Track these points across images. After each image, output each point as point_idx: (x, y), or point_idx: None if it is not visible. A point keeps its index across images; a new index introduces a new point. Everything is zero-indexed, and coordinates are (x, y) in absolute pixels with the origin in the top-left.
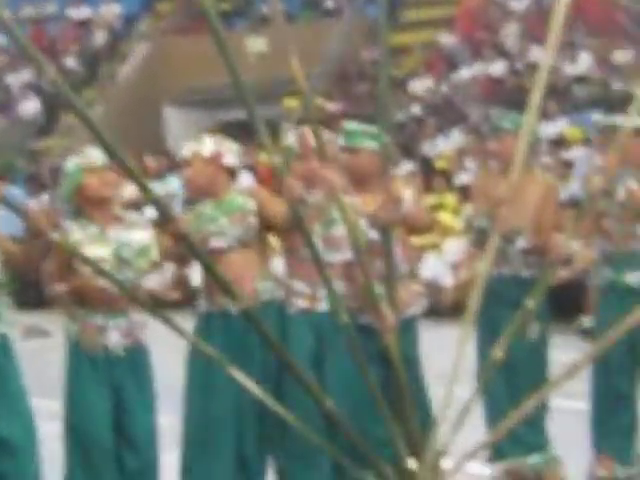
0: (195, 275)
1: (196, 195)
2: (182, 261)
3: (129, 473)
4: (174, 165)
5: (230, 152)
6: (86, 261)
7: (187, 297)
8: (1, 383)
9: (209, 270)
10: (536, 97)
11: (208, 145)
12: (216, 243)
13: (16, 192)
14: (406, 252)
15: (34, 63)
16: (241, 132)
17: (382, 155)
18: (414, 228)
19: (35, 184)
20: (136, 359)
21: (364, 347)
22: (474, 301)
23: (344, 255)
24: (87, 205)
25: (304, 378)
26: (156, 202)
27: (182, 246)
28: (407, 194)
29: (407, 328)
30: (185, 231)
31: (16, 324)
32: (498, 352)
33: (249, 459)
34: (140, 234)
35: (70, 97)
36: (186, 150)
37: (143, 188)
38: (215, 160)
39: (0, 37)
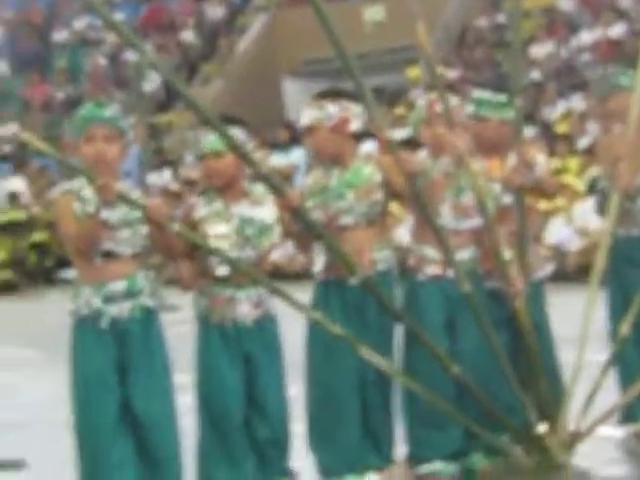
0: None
1: (322, 163)
2: (301, 236)
3: (261, 444)
4: (295, 136)
5: (356, 117)
6: (202, 240)
7: (308, 267)
8: (145, 358)
9: (327, 243)
10: None
11: (332, 111)
12: (343, 220)
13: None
14: (533, 217)
15: (134, 47)
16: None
17: (514, 120)
18: (544, 192)
19: (157, 159)
20: (266, 330)
21: (493, 312)
22: (600, 264)
23: (473, 222)
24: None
25: (430, 344)
26: (266, 177)
27: (298, 220)
28: (540, 158)
29: (535, 292)
30: (298, 205)
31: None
32: (625, 327)
33: (376, 427)
34: (264, 211)
35: (173, 81)
36: (308, 117)
37: (252, 164)
38: (341, 127)
39: (119, 14)
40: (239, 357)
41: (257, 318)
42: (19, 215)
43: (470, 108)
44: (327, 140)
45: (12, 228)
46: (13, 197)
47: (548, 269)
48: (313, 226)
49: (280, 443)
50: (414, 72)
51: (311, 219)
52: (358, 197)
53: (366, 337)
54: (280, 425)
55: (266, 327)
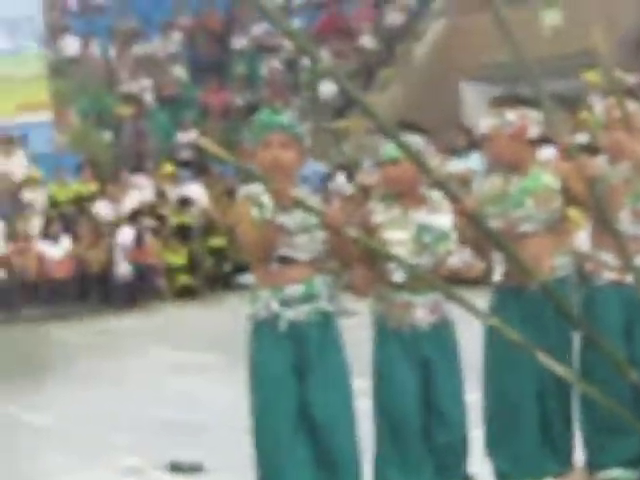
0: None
1: (500, 170)
2: (477, 243)
3: (439, 448)
4: (473, 141)
5: (534, 123)
6: (379, 246)
7: (485, 273)
8: (323, 361)
9: (505, 250)
10: None
11: (511, 118)
12: (522, 228)
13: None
14: None
15: (309, 54)
16: (531, 105)
17: None
18: None
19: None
20: (443, 335)
21: None
22: None
23: None
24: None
25: (608, 349)
26: (442, 184)
27: (474, 226)
28: None
29: None
30: (474, 211)
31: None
32: None
33: (554, 433)
34: (442, 218)
35: (348, 87)
36: (487, 125)
37: (428, 171)
38: (520, 134)
39: (295, 21)
40: (417, 362)
41: (434, 323)
42: (189, 220)
43: None
44: (506, 147)
45: (187, 233)
46: (185, 202)
47: None
48: (490, 232)
49: (458, 449)
50: (592, 77)
51: (487, 225)
52: (537, 204)
53: (544, 344)
54: (458, 430)
55: (443, 332)
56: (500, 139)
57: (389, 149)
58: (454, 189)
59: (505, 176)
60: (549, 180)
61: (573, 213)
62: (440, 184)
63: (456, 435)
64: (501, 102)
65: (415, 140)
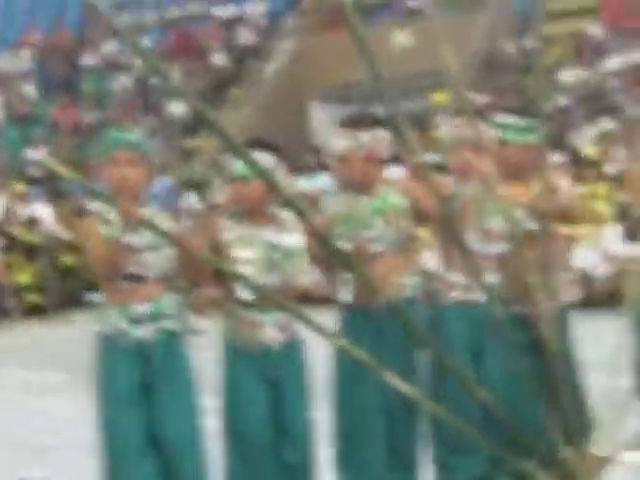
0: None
1: (349, 190)
2: (327, 262)
3: (288, 468)
4: (322, 161)
5: (385, 143)
6: (228, 265)
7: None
8: (169, 380)
9: (352, 269)
10: None
11: (365, 140)
12: (373, 248)
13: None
14: (559, 243)
15: (158, 73)
16: (382, 125)
17: (537, 146)
18: (569, 218)
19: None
20: (292, 354)
21: (518, 337)
22: (632, 291)
23: (499, 246)
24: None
25: (454, 368)
26: (292, 203)
27: (322, 246)
28: (563, 184)
29: (561, 317)
30: (322, 231)
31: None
32: None
33: (402, 450)
34: (292, 237)
35: (198, 107)
36: (340, 146)
37: (277, 189)
38: (373, 156)
39: (146, 39)
40: (266, 381)
41: (284, 342)
42: (35, 239)
43: (495, 133)
44: (360, 169)
45: (35, 252)
46: (32, 222)
47: (574, 294)
48: (337, 252)
49: (306, 466)
50: (440, 97)
51: (335, 245)
52: (387, 224)
53: (392, 363)
54: (307, 449)
55: (292, 351)
56: (354, 160)
57: (238, 167)
58: (304, 208)
59: (354, 197)
60: (397, 200)
61: (422, 233)
62: (290, 203)
63: (304, 453)
64: (352, 122)
65: (265, 159)
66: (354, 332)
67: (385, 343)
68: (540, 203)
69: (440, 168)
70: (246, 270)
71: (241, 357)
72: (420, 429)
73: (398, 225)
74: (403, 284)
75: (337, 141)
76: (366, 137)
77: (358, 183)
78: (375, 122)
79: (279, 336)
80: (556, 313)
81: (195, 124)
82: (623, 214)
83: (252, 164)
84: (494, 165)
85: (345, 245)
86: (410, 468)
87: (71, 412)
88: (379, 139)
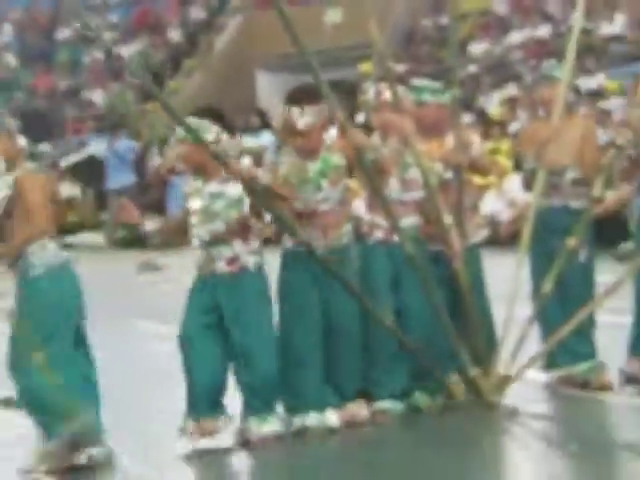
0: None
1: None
2: (254, 207)
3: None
4: (265, 122)
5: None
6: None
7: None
8: None
9: (274, 214)
10: (571, 52)
11: (318, 115)
12: (321, 208)
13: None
14: (470, 190)
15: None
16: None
17: (451, 106)
18: (478, 169)
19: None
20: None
21: (434, 272)
22: (526, 231)
23: (417, 194)
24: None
25: (366, 304)
26: (216, 156)
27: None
28: (475, 140)
29: (472, 255)
30: (246, 178)
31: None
32: (547, 285)
33: (337, 372)
34: (235, 187)
35: (146, 82)
36: (302, 122)
37: (206, 147)
38: (322, 127)
39: (113, 16)
40: (213, 304)
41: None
42: None
43: (413, 95)
44: (316, 141)
45: None
46: None
47: (483, 235)
48: (260, 198)
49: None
50: (367, 67)
51: (259, 192)
52: (332, 183)
53: (329, 296)
54: (263, 367)
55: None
56: (314, 134)
57: (179, 131)
58: (227, 160)
59: (304, 163)
60: (337, 160)
61: (352, 183)
62: (216, 156)
63: (260, 372)
64: (296, 99)
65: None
66: (295, 270)
67: (321, 280)
68: (454, 156)
69: (367, 128)
70: (194, 219)
71: (198, 284)
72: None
73: (340, 183)
74: (343, 232)
75: (300, 118)
76: (320, 110)
77: (311, 152)
78: (314, 94)
79: (228, 268)
80: (466, 250)
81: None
82: (520, 167)
83: (188, 129)
84: (413, 123)
85: (299, 207)
86: (344, 386)
87: None
88: (322, 111)
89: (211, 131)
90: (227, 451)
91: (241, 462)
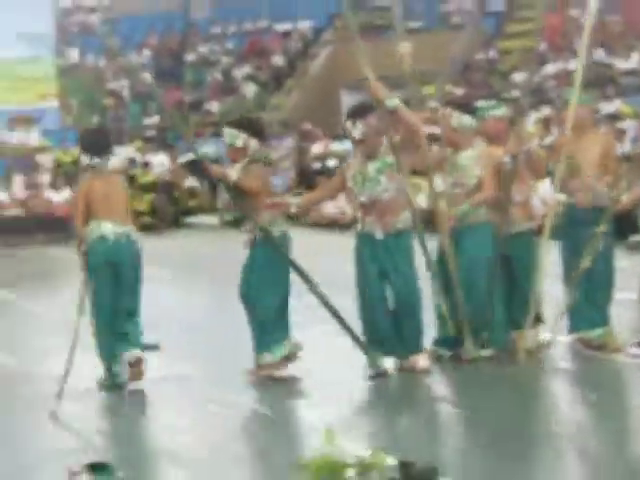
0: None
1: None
2: None
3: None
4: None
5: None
6: None
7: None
8: None
9: (243, 208)
10: (578, 77)
11: (368, 126)
12: (381, 197)
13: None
14: (523, 185)
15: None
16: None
17: (507, 118)
18: (533, 166)
19: None
20: None
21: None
22: (549, 224)
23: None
24: None
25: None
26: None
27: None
28: (532, 140)
29: (521, 240)
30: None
31: None
32: (586, 262)
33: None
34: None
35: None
36: (356, 133)
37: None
38: (376, 134)
39: (229, 43)
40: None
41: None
42: (149, 178)
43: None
44: (375, 144)
45: (150, 187)
46: (146, 165)
47: (531, 225)
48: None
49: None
50: (429, 89)
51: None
52: (388, 178)
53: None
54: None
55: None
56: (368, 140)
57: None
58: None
59: (366, 163)
60: (391, 159)
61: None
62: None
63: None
64: (353, 114)
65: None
66: (364, 249)
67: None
68: (513, 148)
69: (436, 139)
70: None
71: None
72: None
73: (395, 177)
74: (399, 219)
75: (348, 129)
76: (364, 123)
77: (370, 154)
78: (364, 110)
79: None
80: (523, 233)
81: (261, 102)
82: (551, 172)
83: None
84: (479, 134)
85: (364, 199)
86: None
87: (173, 296)
88: (371, 122)
89: (239, 137)
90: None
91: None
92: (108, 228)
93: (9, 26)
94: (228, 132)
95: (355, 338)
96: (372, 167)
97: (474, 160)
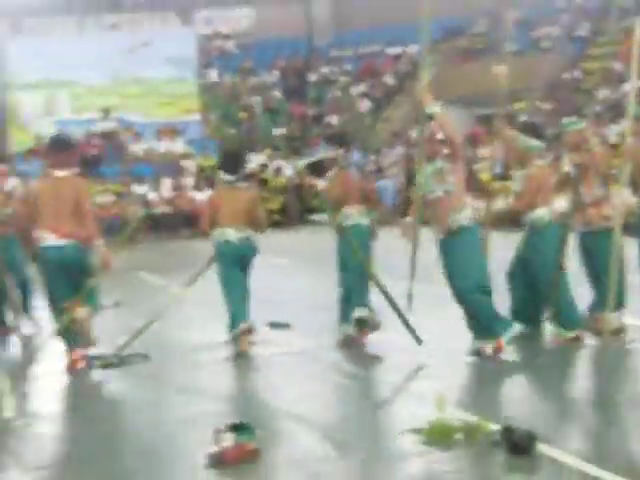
0: None
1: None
2: None
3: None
4: None
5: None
6: None
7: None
8: None
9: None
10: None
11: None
12: (430, 197)
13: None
14: (601, 184)
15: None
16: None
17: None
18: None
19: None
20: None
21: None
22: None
23: None
24: None
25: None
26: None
27: None
28: (593, 141)
29: (602, 235)
30: None
31: None
32: None
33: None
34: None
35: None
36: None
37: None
38: (431, 142)
39: (347, 65)
40: None
41: None
42: (280, 181)
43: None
44: (430, 150)
45: (280, 190)
46: (277, 171)
47: (610, 222)
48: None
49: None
50: (520, 104)
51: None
52: (437, 182)
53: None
54: None
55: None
56: (427, 144)
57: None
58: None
59: (428, 165)
60: (440, 164)
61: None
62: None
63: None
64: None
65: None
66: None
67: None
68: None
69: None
70: None
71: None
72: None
73: (444, 180)
74: (456, 218)
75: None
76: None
77: (428, 158)
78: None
79: None
80: (597, 232)
81: (375, 117)
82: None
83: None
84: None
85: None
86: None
87: (300, 282)
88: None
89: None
90: None
91: None
92: (230, 233)
93: (159, 52)
94: (323, 146)
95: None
96: (429, 169)
97: (523, 177)
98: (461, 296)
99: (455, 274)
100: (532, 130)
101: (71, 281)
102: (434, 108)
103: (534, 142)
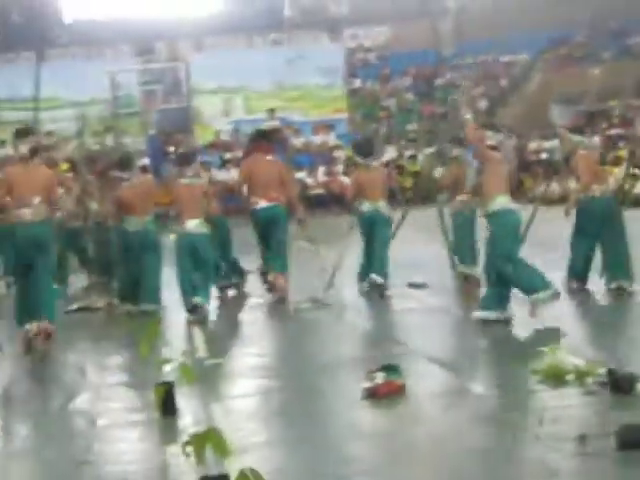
0: None
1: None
2: None
3: None
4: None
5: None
6: None
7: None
8: None
9: None
10: None
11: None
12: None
13: None
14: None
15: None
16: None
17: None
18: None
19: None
20: None
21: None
22: None
23: None
24: None
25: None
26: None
27: None
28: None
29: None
30: None
31: None
32: None
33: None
34: None
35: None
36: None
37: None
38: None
39: (467, 71)
40: None
41: None
42: (415, 167)
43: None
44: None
45: (414, 174)
46: (412, 157)
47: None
48: None
49: None
50: (613, 102)
51: None
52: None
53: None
54: None
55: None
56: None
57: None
58: None
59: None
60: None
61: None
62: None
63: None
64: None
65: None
66: None
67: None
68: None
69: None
70: None
71: None
72: None
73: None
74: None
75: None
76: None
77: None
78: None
79: None
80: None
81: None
82: None
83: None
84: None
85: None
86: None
87: (431, 250)
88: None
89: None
90: None
91: None
92: (368, 206)
93: (311, 62)
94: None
95: None
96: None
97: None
98: None
99: None
100: (578, 131)
101: (276, 234)
102: (465, 116)
103: (578, 138)
